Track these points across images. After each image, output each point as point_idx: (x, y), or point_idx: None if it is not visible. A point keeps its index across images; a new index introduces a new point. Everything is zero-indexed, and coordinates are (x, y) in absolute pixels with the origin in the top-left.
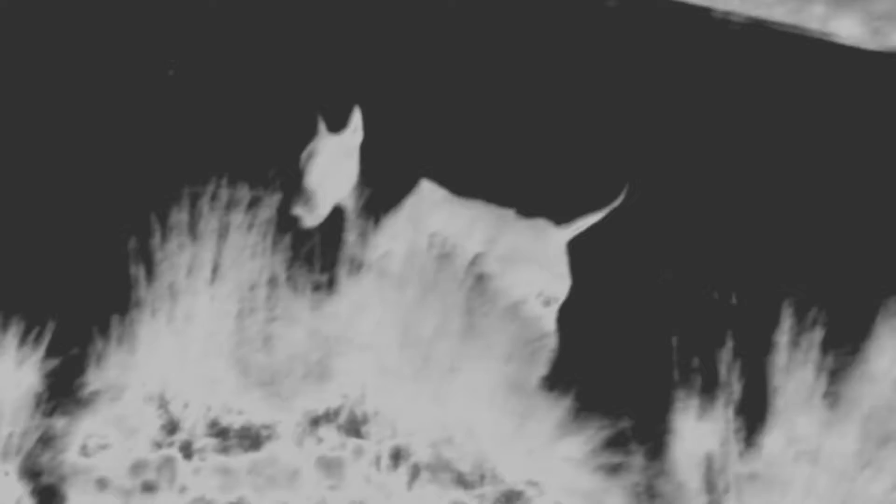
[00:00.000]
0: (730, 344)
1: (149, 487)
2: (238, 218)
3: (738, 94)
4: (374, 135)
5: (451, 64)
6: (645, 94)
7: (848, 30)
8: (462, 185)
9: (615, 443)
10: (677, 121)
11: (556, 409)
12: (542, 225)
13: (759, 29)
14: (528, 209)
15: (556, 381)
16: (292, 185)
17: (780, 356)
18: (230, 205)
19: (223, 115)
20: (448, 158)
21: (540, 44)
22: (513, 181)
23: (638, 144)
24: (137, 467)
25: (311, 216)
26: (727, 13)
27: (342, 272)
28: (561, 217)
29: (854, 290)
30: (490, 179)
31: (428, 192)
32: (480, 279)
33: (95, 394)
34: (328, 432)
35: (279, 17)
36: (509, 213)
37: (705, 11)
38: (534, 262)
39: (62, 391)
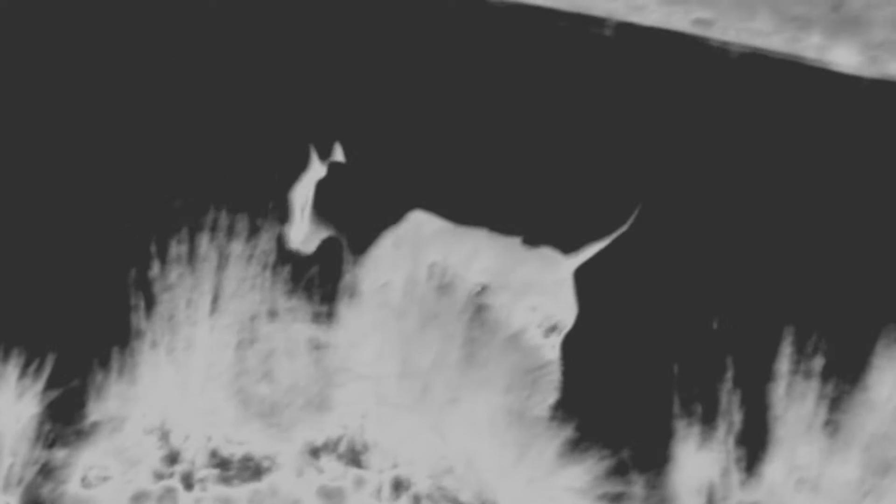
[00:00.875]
0: (730, 373)
1: None
2: (237, 248)
3: (737, 122)
4: (371, 162)
5: (451, 90)
6: (644, 123)
7: (845, 59)
8: (460, 213)
9: (616, 472)
10: (677, 149)
11: (557, 438)
12: (547, 254)
13: (756, 58)
14: (529, 237)
15: (556, 410)
16: (287, 215)
17: (781, 385)
18: (229, 235)
19: (221, 146)
20: (446, 186)
21: (541, 73)
22: (512, 209)
23: (638, 173)
24: (138, 498)
25: (305, 245)
26: (725, 43)
27: (341, 303)
28: (564, 245)
29: (854, 320)
30: (489, 207)
31: (425, 222)
32: (480, 309)
33: (96, 425)
34: (329, 462)
35: (273, 38)
36: (510, 242)
37: (703, 41)
38: (538, 292)
39: (63, 423)
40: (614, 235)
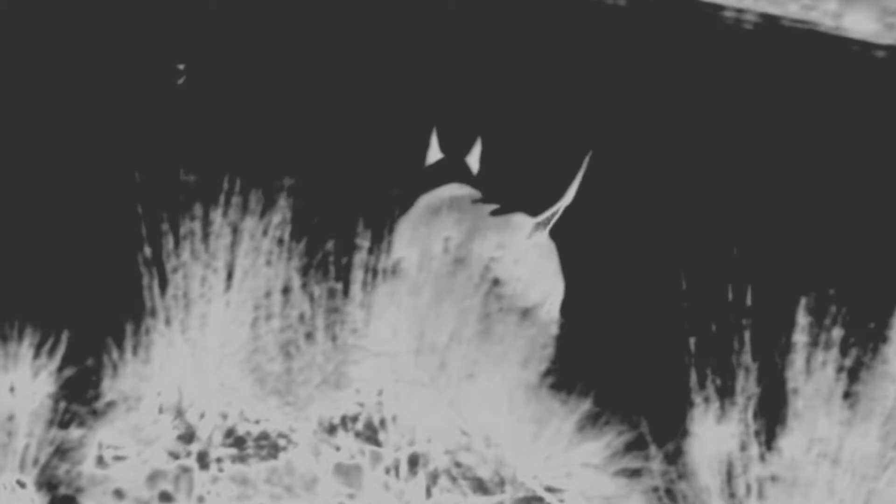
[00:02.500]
0: (747, 346)
1: (166, 498)
2: (251, 224)
3: (753, 91)
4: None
5: (467, 63)
6: (658, 92)
7: (861, 25)
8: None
9: (634, 447)
10: (692, 118)
11: (575, 413)
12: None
13: (771, 26)
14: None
15: (574, 385)
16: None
17: (799, 357)
18: (243, 211)
19: (233, 122)
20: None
21: (551, 43)
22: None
23: (652, 143)
24: (154, 478)
25: None
26: (740, 10)
27: (357, 279)
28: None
29: (872, 290)
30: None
31: (441, 197)
32: (496, 283)
33: (111, 404)
34: (345, 440)
35: (279, 18)
36: (519, 217)
37: (717, 9)
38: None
39: (78, 402)
40: (573, 187)
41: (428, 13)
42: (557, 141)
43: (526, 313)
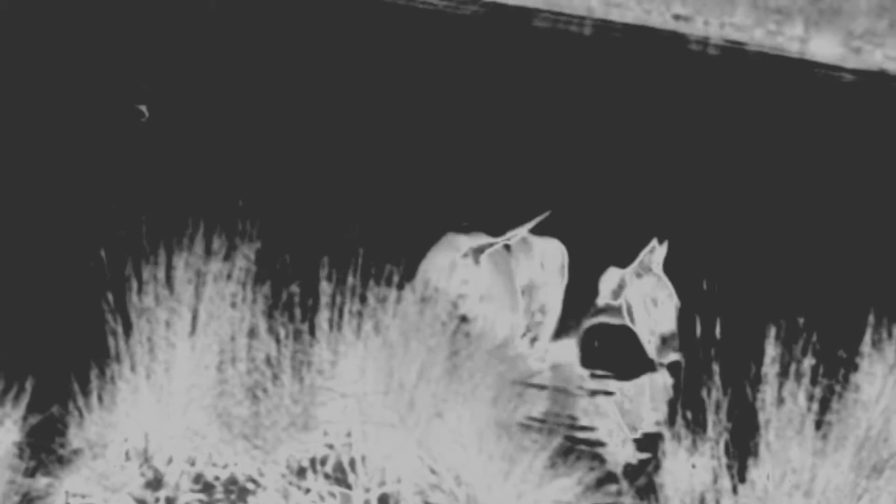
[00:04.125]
0: (717, 377)
1: None
2: (215, 267)
3: (719, 117)
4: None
5: (432, 92)
6: (626, 120)
7: (827, 50)
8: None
9: (605, 482)
10: (660, 145)
11: (546, 450)
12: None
13: (736, 52)
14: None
15: (544, 421)
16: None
17: (769, 388)
18: (206, 255)
19: (194, 164)
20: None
21: (520, 73)
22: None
23: (620, 168)
24: None
25: None
26: (705, 38)
27: (323, 320)
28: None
29: (841, 318)
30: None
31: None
32: (464, 321)
33: (77, 452)
34: (314, 482)
35: (241, 62)
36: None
37: (683, 37)
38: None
39: (44, 450)
40: (538, 219)
41: (384, 57)
42: (527, 164)
43: (495, 350)
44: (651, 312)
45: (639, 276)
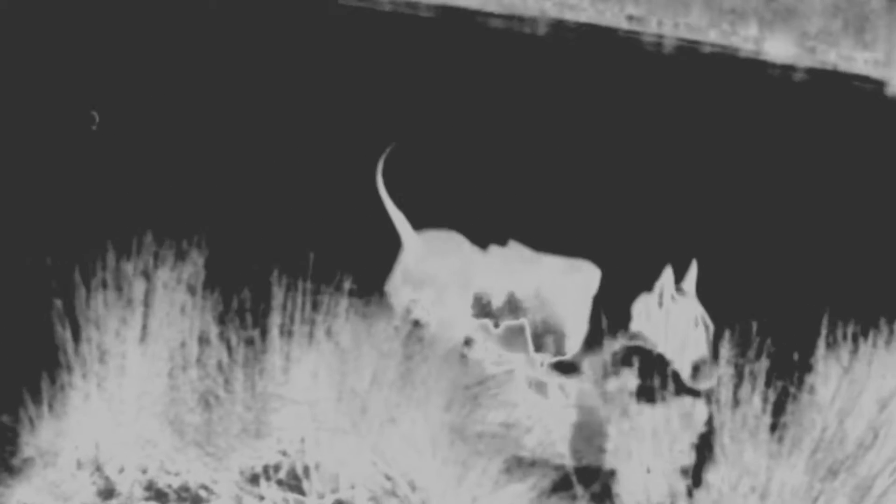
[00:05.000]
0: (671, 381)
1: None
2: (165, 274)
3: (674, 117)
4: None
5: (387, 95)
6: (580, 121)
7: (781, 50)
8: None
9: (560, 487)
10: (614, 146)
11: (499, 455)
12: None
13: (691, 53)
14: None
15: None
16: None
17: (724, 391)
18: (156, 261)
19: (145, 170)
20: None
21: (475, 75)
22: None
23: (576, 170)
24: None
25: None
26: (659, 38)
27: (274, 326)
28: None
29: (794, 320)
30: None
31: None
32: (416, 325)
33: (28, 461)
34: (268, 489)
35: (189, 66)
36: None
37: (637, 37)
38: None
39: None
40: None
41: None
42: (482, 164)
43: (448, 355)
44: (684, 337)
45: (672, 299)
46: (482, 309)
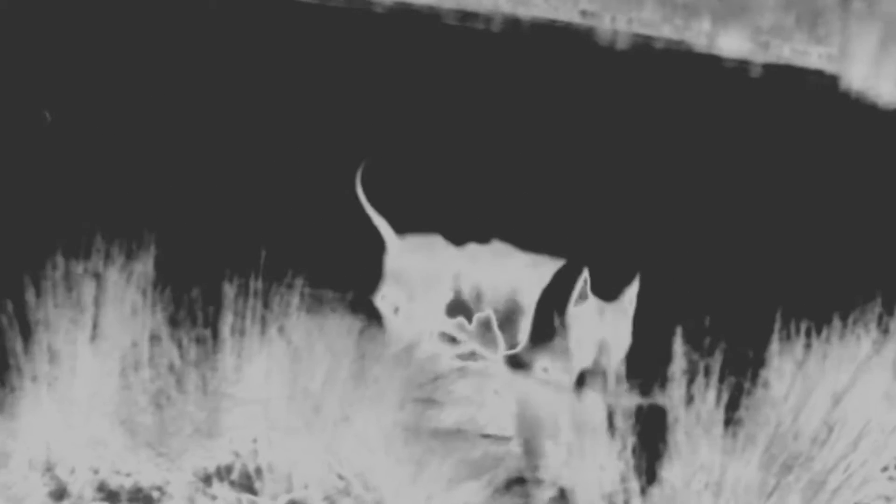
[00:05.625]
0: (624, 379)
1: None
2: (114, 273)
3: (628, 113)
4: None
5: (343, 93)
6: (535, 117)
7: (735, 45)
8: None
9: (515, 484)
10: (570, 142)
11: (454, 453)
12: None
13: (644, 48)
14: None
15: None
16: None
17: (677, 387)
18: (106, 260)
19: (94, 169)
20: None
21: (430, 72)
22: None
23: (531, 167)
24: None
25: None
26: (613, 33)
27: (226, 325)
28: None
29: (747, 315)
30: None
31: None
32: (370, 322)
33: None
34: (221, 490)
35: (141, 67)
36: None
37: (591, 33)
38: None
39: None
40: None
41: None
42: (438, 160)
43: (403, 351)
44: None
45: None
46: (457, 306)
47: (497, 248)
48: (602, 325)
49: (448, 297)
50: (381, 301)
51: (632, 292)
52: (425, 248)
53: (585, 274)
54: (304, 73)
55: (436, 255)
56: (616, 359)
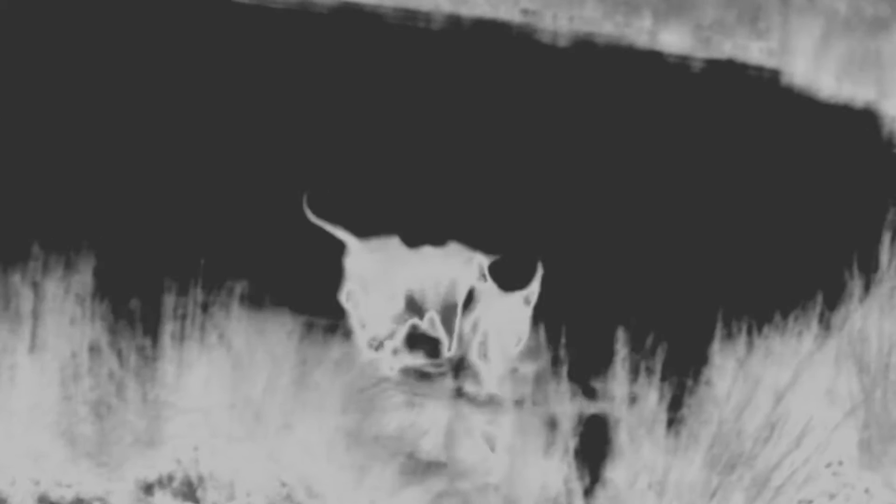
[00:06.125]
0: (566, 381)
1: None
2: (53, 285)
3: (570, 112)
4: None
5: (287, 94)
6: (477, 116)
7: (676, 41)
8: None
9: (455, 490)
10: (511, 141)
11: (396, 458)
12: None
13: (586, 45)
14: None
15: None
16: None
17: (620, 387)
18: (44, 271)
19: (32, 181)
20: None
21: (371, 72)
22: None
23: (473, 166)
24: None
25: None
26: (554, 31)
27: (166, 334)
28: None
29: (689, 315)
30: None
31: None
32: (310, 330)
33: None
34: (163, 499)
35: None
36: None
37: (532, 31)
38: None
39: None
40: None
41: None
42: (384, 162)
43: (342, 358)
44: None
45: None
46: (411, 305)
47: (450, 249)
48: (494, 312)
49: (403, 296)
50: (345, 299)
51: (534, 285)
52: (382, 250)
53: (482, 261)
54: (244, 76)
55: (391, 257)
56: (507, 347)
